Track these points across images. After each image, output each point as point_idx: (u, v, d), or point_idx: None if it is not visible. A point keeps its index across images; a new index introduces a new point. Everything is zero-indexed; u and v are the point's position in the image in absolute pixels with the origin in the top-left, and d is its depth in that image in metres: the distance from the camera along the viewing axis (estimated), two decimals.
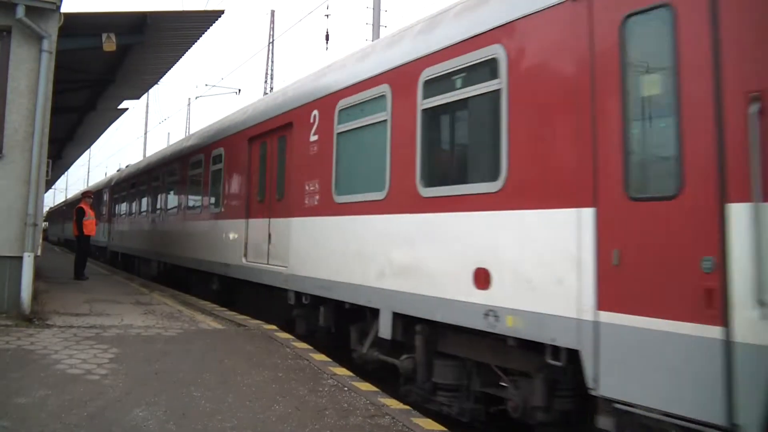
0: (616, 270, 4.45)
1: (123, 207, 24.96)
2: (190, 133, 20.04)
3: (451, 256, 6.04)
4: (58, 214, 56.32)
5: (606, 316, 4.50)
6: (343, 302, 7.95)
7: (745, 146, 3.80)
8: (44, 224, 66.91)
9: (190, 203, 15.41)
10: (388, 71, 7.35)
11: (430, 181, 6.54)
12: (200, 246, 13.86)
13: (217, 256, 12.61)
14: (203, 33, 14.09)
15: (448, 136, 6.82)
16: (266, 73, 55.00)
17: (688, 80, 4.18)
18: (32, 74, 9.88)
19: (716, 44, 4.02)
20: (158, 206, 18.82)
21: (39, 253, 10.17)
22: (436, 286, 6.21)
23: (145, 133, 59.23)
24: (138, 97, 21.67)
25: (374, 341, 7.58)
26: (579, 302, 4.71)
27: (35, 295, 10.52)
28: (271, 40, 54.68)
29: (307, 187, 8.97)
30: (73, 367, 6.82)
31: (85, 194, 18.73)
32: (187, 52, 15.64)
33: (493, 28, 5.82)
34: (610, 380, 4.43)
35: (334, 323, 8.61)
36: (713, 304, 3.88)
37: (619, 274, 4.44)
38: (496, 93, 5.71)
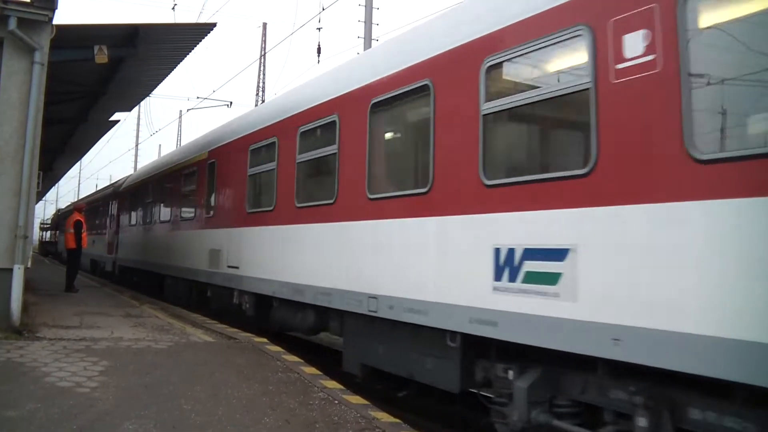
0: None
1: None
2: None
3: None
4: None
5: None
6: None
7: None
8: (49, 233, 62.24)
9: None
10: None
11: None
12: None
13: None
14: (195, 46, 14.17)
15: None
16: (258, 86, 55.08)
17: None
18: (24, 86, 9.88)
19: None
20: None
21: (29, 265, 10.13)
22: None
23: (137, 146, 59.23)
24: (129, 109, 21.73)
25: None
26: None
27: (25, 307, 10.47)
28: (263, 53, 54.82)
29: None
30: (62, 379, 6.79)
31: (77, 207, 18.77)
32: (179, 65, 15.72)
33: None
34: None
35: None
36: None
37: None
38: None
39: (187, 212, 14.67)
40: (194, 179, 14.15)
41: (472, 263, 5.81)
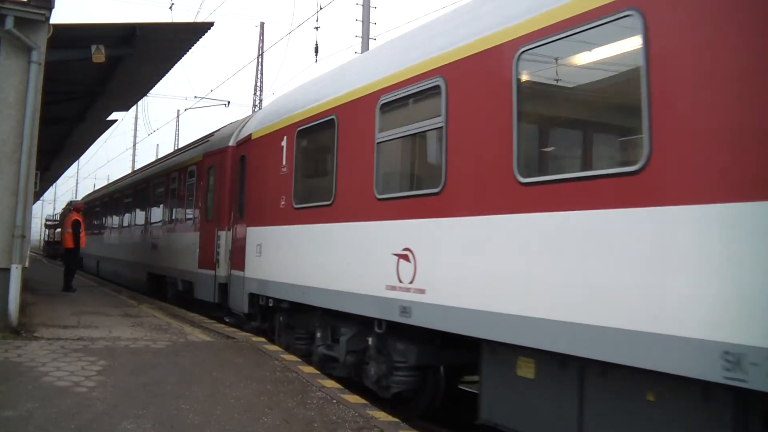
0: None
1: None
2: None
3: None
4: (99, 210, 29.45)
5: None
6: None
7: None
8: (49, 232, 57.72)
9: None
10: None
11: None
12: None
13: None
14: (192, 45, 14.17)
15: None
16: (255, 85, 55.09)
17: None
18: (21, 86, 9.86)
19: None
20: None
21: (27, 264, 10.13)
22: None
23: (134, 145, 59.17)
24: (127, 109, 21.70)
25: None
26: None
27: (23, 307, 10.47)
28: (260, 53, 54.79)
29: None
30: (60, 379, 6.79)
31: (76, 207, 18.72)
32: (176, 64, 15.70)
33: None
34: None
35: None
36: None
37: None
38: None
39: None
40: None
41: None
